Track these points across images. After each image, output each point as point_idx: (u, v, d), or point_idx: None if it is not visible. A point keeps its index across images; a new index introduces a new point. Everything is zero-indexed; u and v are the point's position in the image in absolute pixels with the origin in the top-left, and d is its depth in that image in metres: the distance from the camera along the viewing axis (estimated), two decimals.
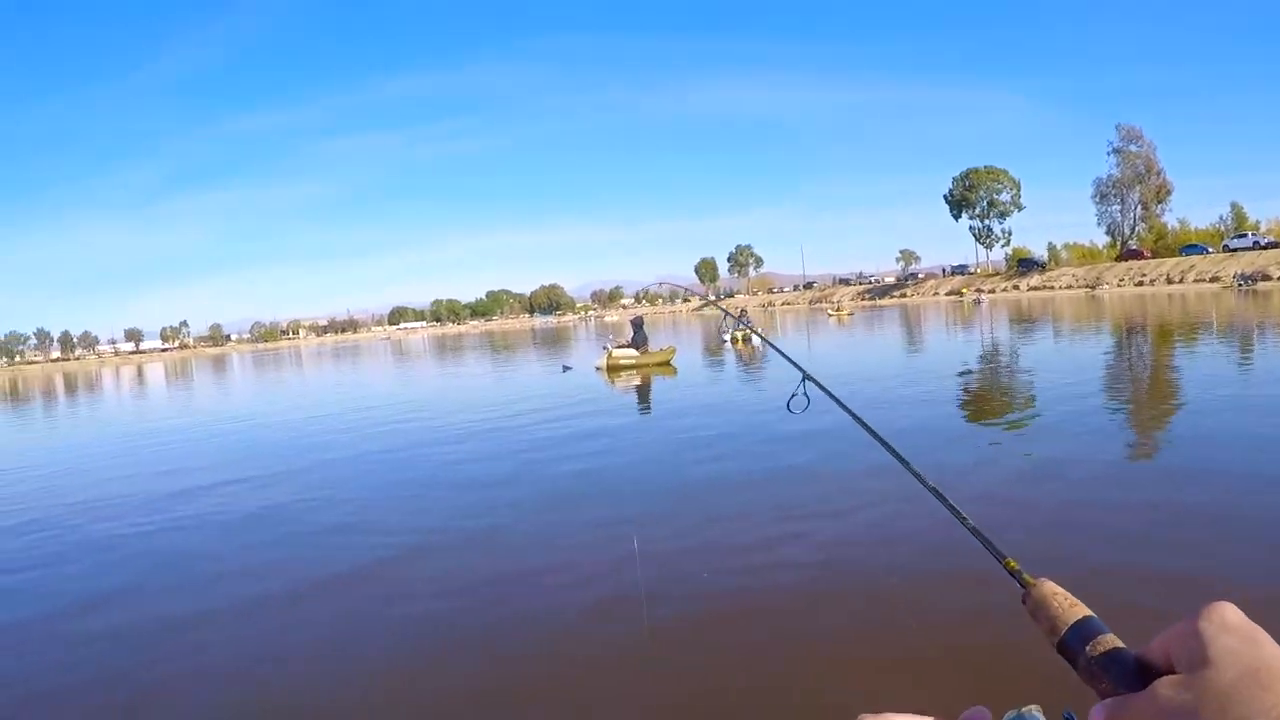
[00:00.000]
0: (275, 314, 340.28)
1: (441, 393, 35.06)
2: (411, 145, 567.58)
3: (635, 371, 33.89)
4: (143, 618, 8.80)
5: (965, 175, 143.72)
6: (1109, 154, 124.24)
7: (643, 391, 28.13)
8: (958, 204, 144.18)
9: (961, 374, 25.98)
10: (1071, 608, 0.99)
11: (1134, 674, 0.87)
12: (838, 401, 2.07)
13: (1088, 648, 0.93)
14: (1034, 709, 1.13)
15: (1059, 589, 1.02)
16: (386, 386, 42.87)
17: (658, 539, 9.76)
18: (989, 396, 21.31)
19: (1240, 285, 78.71)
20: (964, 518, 1.28)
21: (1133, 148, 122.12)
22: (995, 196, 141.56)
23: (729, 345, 46.53)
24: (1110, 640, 0.92)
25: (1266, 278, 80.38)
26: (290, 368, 77.81)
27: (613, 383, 31.26)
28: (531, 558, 9.71)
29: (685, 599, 8.00)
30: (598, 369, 35.38)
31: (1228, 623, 0.79)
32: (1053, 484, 11.05)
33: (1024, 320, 54.07)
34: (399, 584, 9.20)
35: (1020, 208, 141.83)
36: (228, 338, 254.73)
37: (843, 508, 10.51)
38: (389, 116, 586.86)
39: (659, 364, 35.36)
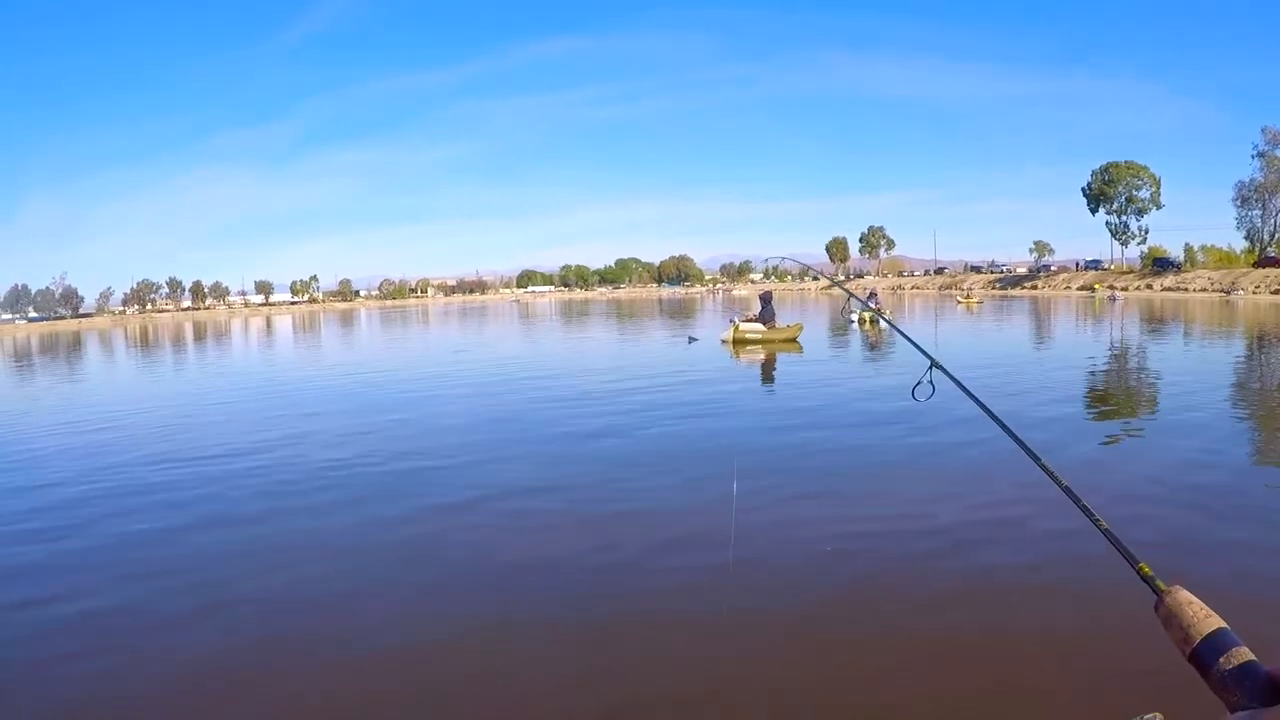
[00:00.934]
0: (405, 272, 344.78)
1: (563, 358, 35.67)
2: (553, 110, 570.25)
3: (760, 347, 34.01)
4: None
5: (1105, 169, 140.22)
6: (1253, 157, 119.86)
7: (767, 367, 28.37)
8: (1095, 198, 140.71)
9: (1090, 371, 25.72)
10: (1206, 618, 1.05)
11: (1266, 689, 0.90)
12: (966, 391, 2.10)
13: (1221, 660, 0.97)
14: (1156, 716, 1.23)
15: (1193, 598, 1.09)
16: (509, 348, 43.97)
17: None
18: (1115, 395, 21.16)
19: None
20: (1097, 519, 1.36)
21: (1278, 152, 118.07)
22: (1134, 193, 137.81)
23: (855, 326, 46.18)
24: (1244, 654, 0.97)
25: None
26: (416, 325, 79.52)
27: (737, 356, 31.58)
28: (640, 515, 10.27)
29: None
30: (723, 342, 35.61)
31: None
32: (1185, 488, 10.70)
33: (1155, 320, 52.90)
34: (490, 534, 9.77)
35: (1159, 206, 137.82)
36: (356, 293, 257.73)
37: (968, 503, 10.30)
38: (534, 80, 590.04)
39: (785, 340, 35.37)
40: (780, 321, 37.79)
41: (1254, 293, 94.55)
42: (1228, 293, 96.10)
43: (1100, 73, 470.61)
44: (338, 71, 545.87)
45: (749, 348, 33.93)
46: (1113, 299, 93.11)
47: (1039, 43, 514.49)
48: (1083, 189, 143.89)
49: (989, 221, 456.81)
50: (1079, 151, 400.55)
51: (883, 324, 45.13)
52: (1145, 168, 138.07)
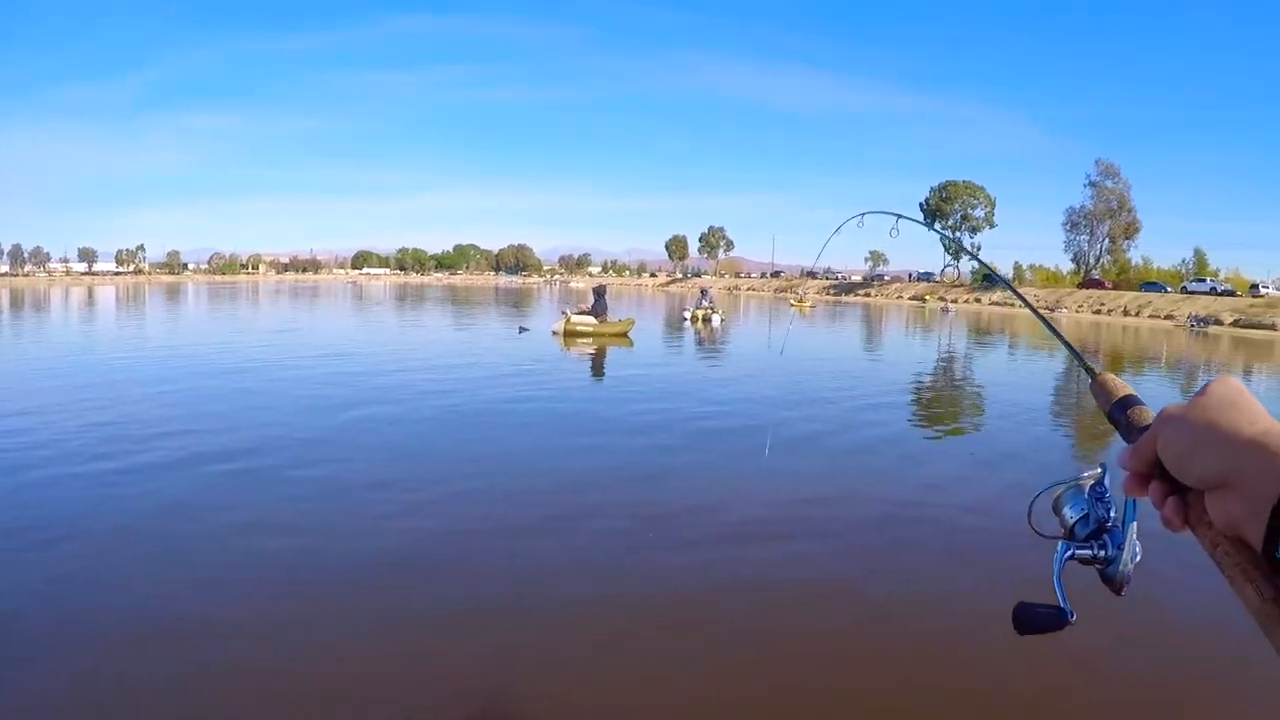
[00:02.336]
0: (237, 247, 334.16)
1: (384, 344, 33.98)
2: (411, 89, 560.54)
3: (591, 340, 33.65)
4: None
5: (943, 186, 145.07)
6: (1085, 185, 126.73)
7: (596, 361, 27.92)
8: (932, 213, 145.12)
9: (917, 374, 26.46)
10: (1121, 388, 1.28)
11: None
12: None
13: (1128, 413, 1.22)
14: (1099, 469, 1.29)
15: (1114, 377, 1.31)
16: (335, 332, 42.50)
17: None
18: (943, 397, 21.56)
19: (1194, 326, 79.99)
20: (1054, 329, 1.60)
21: (1109, 183, 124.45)
22: (970, 210, 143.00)
23: (688, 324, 46.47)
24: (1147, 412, 1.21)
25: (1219, 322, 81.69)
26: (245, 304, 76.35)
27: (567, 349, 31.08)
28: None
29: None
30: (554, 333, 35.18)
31: (1227, 380, 1.00)
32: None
33: (982, 332, 54.58)
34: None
35: (992, 225, 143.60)
36: (185, 266, 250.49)
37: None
38: (395, 56, 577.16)
39: (616, 335, 35.18)
40: (613, 316, 37.43)
41: (1077, 311, 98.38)
42: (1052, 310, 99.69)
43: (951, 96, 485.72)
44: (191, 28, 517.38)
45: (580, 340, 33.50)
46: (945, 310, 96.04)
47: (896, 60, 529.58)
48: (920, 204, 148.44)
49: (828, 229, 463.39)
50: (921, 168, 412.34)
51: (715, 322, 45.84)
52: (982, 188, 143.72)
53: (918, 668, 6.22)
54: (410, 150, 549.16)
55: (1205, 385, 1.00)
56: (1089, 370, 1.40)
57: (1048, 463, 13.36)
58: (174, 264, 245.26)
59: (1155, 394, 23.61)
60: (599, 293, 37.44)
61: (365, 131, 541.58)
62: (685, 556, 8.46)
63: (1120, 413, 1.24)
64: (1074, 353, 1.64)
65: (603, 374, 25.11)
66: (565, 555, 8.37)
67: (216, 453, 12.07)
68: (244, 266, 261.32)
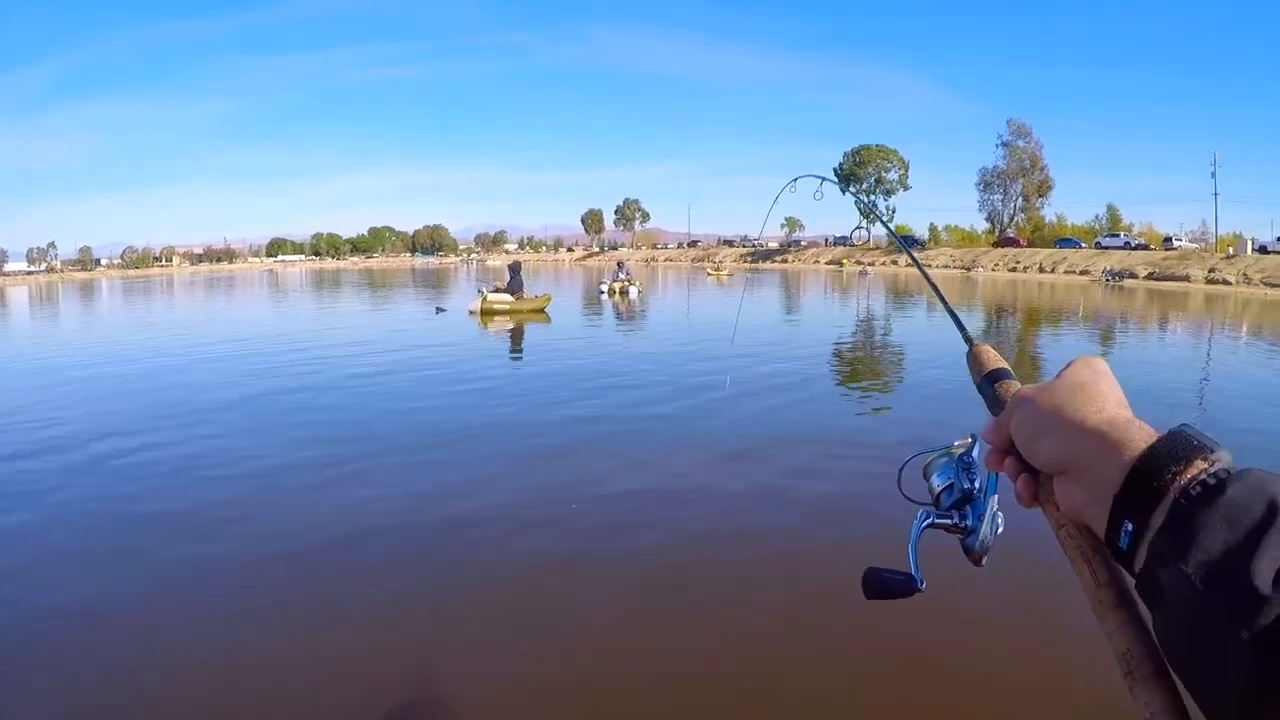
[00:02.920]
0: (149, 239, 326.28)
1: (300, 332, 33.44)
2: (316, 70, 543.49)
3: (509, 317, 33.37)
4: None
5: (857, 151, 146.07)
6: (997, 146, 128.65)
7: (515, 337, 27.70)
8: (846, 178, 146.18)
9: (837, 338, 26.30)
10: (993, 361, 1.28)
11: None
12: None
13: (995, 387, 1.22)
14: (968, 439, 1.29)
15: (989, 349, 1.31)
16: (250, 321, 41.67)
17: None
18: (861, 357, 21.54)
19: (1109, 280, 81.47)
20: (943, 296, 1.60)
21: (1020, 142, 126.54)
22: (884, 174, 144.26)
23: (605, 297, 46.39)
24: (1013, 386, 1.20)
25: (1133, 276, 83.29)
26: (159, 298, 74.44)
27: (485, 326, 30.77)
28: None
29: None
30: (471, 313, 34.69)
31: (1087, 360, 1.01)
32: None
33: (900, 293, 55.08)
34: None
35: (906, 187, 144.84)
36: (98, 262, 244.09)
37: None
38: (298, 37, 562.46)
39: (533, 310, 34.99)
40: (529, 292, 37.19)
41: (993, 270, 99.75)
42: (968, 269, 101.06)
43: (862, 60, 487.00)
44: (99, 15, 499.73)
45: (497, 318, 33.15)
46: (863, 273, 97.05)
47: (804, 27, 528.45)
48: (834, 169, 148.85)
49: (743, 196, 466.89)
50: (836, 133, 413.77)
51: (632, 294, 46.02)
52: (895, 151, 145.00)
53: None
54: (320, 133, 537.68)
55: (1067, 365, 1.01)
56: (967, 339, 1.42)
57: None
58: (86, 260, 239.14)
59: (1073, 349, 24.02)
60: (514, 269, 37.10)
61: (274, 115, 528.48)
62: (611, 521, 8.48)
63: (989, 386, 1.25)
64: (956, 320, 1.61)
65: (521, 350, 24.81)
66: (485, 533, 8.21)
67: (114, 447, 11.79)
68: (157, 259, 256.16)
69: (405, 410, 14.62)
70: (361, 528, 8.34)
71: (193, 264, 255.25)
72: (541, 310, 35.46)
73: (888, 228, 2.59)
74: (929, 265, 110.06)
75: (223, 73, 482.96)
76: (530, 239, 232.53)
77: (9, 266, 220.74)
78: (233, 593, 6.91)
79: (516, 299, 35.33)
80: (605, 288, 48.98)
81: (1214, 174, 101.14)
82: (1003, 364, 1.27)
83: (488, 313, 34.11)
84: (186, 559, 7.63)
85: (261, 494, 9.60)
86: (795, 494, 9.42)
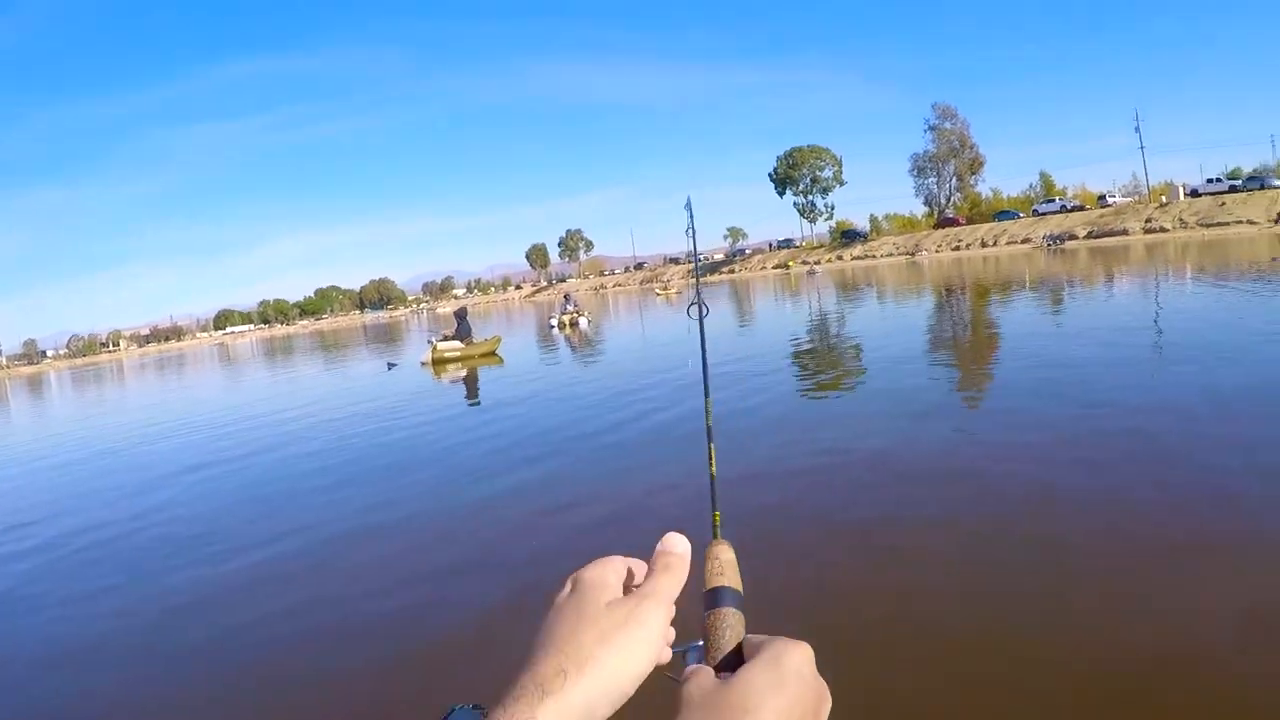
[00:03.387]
0: (94, 325, 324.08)
1: (251, 402, 32.67)
2: (242, 136, 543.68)
3: (461, 363, 33.11)
4: None
5: (789, 154, 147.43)
6: (925, 131, 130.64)
7: (469, 383, 27.39)
8: (782, 181, 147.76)
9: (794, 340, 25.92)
10: (715, 575, 1.01)
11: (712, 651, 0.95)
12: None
13: (707, 614, 0.97)
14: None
15: (721, 555, 1.02)
16: (202, 397, 41.10)
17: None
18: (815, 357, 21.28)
19: (1049, 245, 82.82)
20: (712, 471, 1.21)
21: (947, 125, 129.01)
22: (818, 173, 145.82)
23: (556, 331, 46.21)
24: (722, 615, 0.96)
25: (1073, 237, 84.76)
26: (110, 384, 73.14)
27: (439, 377, 30.36)
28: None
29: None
30: (423, 364, 34.45)
31: (783, 659, 0.82)
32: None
33: (849, 288, 55.26)
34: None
35: (842, 183, 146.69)
36: (44, 354, 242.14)
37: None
38: (219, 106, 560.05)
39: (485, 354, 34.72)
40: (478, 335, 36.99)
41: (937, 252, 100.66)
42: (913, 255, 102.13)
43: (789, 65, 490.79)
44: (7, 105, 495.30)
45: (449, 366, 32.86)
46: (811, 272, 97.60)
47: (727, 40, 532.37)
48: (769, 174, 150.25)
49: (683, 213, 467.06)
50: (767, 139, 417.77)
51: (582, 325, 46.20)
52: (827, 149, 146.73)
53: None
54: (254, 200, 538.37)
55: (758, 645, 0.86)
56: (714, 532, 1.09)
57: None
58: (32, 353, 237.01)
59: (1026, 319, 24.20)
60: (460, 315, 36.94)
61: (204, 187, 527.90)
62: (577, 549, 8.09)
63: (705, 607, 0.99)
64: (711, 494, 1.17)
65: (477, 395, 24.48)
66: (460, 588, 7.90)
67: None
68: (104, 345, 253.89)
69: (367, 470, 14.13)
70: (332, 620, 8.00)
71: (140, 346, 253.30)
72: (493, 353, 35.17)
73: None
74: (872, 256, 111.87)
75: (145, 150, 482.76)
76: (478, 281, 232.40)
77: None
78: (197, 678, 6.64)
79: (466, 344, 35.07)
80: (555, 321, 48.85)
81: (1138, 128, 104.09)
82: (727, 581, 1.00)
83: (439, 362, 33.84)
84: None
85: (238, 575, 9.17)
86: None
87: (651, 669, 0.89)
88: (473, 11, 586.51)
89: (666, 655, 0.92)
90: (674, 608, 0.93)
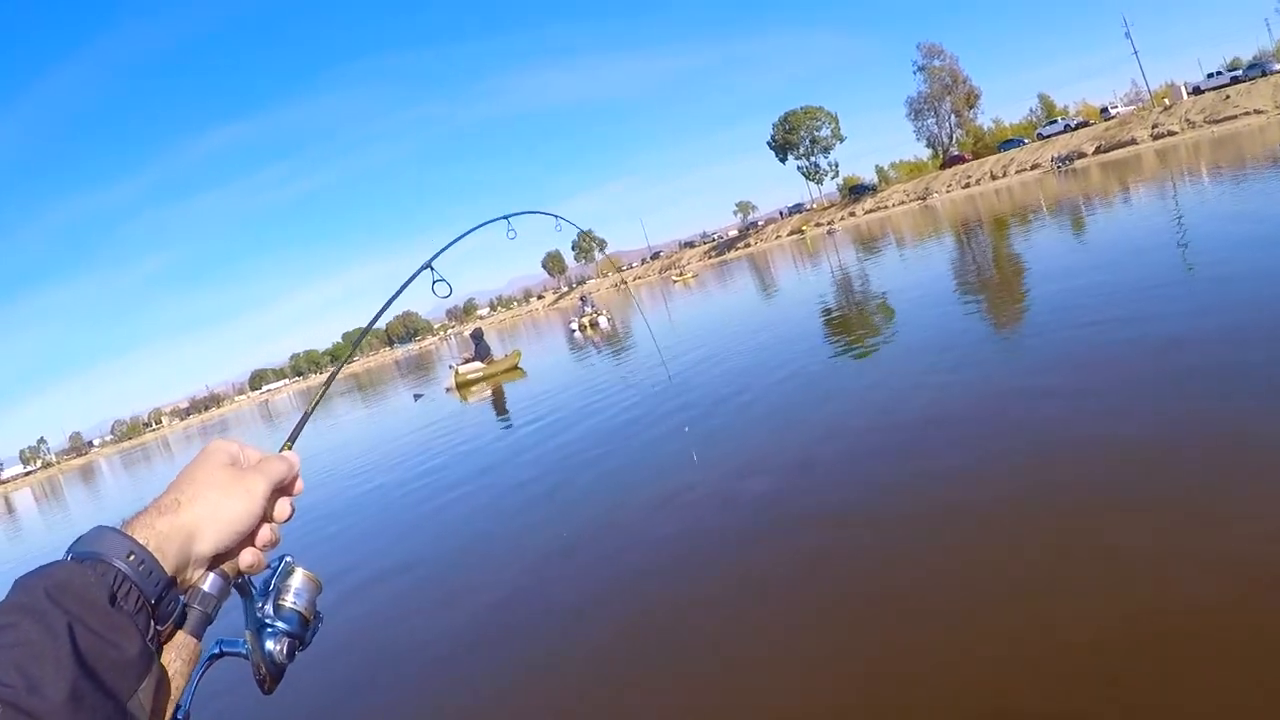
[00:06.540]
0: (134, 407, 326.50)
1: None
2: (240, 198, 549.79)
3: (486, 383, 32.82)
4: None
5: (784, 119, 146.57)
6: (915, 72, 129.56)
7: (496, 401, 26.99)
8: (781, 147, 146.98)
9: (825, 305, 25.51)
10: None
11: None
12: None
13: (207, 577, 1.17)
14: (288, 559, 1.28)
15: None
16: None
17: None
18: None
19: (1059, 167, 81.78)
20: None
21: (936, 63, 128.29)
22: (816, 134, 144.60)
23: (578, 334, 45.88)
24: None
25: (1082, 155, 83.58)
26: (159, 462, 72.82)
27: (465, 400, 30.12)
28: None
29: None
30: (448, 390, 34.32)
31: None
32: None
33: (868, 243, 54.47)
34: None
35: (841, 139, 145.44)
36: (90, 444, 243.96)
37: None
38: (211, 174, 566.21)
39: (507, 370, 34.50)
40: (498, 353, 37.10)
41: (948, 192, 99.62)
42: (924, 199, 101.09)
43: (771, 29, 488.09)
44: (8, 210, 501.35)
45: (474, 388, 32.60)
46: (830, 233, 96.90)
47: (699, 16, 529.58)
48: (768, 142, 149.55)
49: (691, 195, 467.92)
50: (760, 108, 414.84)
51: (604, 323, 46.01)
52: (821, 108, 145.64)
53: None
54: (265, 257, 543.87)
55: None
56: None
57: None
58: (79, 445, 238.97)
59: (1049, 247, 23.71)
60: (477, 337, 37.00)
61: (214, 254, 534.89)
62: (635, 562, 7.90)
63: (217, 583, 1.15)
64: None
65: (505, 411, 24.23)
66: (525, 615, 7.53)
67: None
68: (147, 425, 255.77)
69: (413, 507, 13.71)
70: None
71: (182, 419, 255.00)
72: (515, 368, 34.95)
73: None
74: (884, 207, 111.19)
75: (149, 228, 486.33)
76: (500, 298, 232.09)
77: (6, 473, 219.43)
78: None
79: (487, 364, 34.98)
80: (575, 325, 48.64)
81: (1128, 34, 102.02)
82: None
83: (463, 385, 33.68)
84: None
85: None
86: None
87: (252, 522, 1.15)
88: (445, 37, 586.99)
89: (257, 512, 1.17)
90: (275, 490, 1.21)
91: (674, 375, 18.44)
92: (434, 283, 2.13)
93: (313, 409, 1.60)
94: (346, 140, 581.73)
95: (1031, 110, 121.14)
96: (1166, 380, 8.22)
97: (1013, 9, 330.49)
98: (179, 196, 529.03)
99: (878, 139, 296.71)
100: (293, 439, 1.38)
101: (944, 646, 4.82)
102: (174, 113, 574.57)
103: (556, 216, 2.88)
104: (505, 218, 2.82)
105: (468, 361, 35.49)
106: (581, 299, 53.90)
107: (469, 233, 2.65)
